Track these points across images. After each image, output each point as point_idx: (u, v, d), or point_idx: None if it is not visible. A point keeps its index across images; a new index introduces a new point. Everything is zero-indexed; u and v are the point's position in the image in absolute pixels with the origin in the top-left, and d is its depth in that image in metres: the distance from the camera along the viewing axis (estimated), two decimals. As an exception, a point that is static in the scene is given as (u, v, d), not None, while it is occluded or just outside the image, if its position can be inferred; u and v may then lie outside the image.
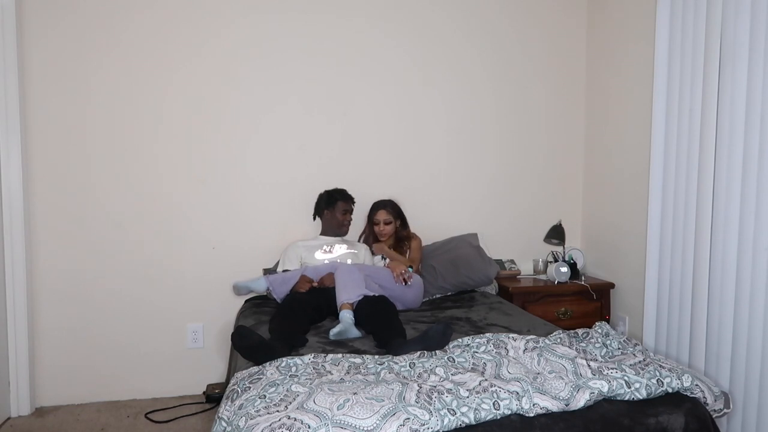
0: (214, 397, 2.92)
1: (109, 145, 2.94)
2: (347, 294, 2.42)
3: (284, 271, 2.88)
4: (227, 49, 3.05)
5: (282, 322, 2.29)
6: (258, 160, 3.12)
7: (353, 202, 3.07)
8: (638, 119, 3.02)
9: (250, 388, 1.67)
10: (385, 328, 2.21)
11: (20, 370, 2.81)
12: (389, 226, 3.02)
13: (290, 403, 1.54)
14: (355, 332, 2.30)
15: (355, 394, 1.54)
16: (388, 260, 2.94)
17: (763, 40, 2.13)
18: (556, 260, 3.37)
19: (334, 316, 2.46)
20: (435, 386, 1.62)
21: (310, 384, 1.66)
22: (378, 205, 3.06)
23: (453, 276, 3.06)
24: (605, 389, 1.64)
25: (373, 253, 3.04)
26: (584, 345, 2.04)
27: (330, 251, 2.94)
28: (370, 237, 3.14)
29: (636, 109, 3.05)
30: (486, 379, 1.66)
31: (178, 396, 3.07)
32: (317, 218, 3.12)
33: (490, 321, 2.54)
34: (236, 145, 3.09)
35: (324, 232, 3.06)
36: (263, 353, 1.95)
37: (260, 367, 1.83)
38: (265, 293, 2.79)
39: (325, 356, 1.92)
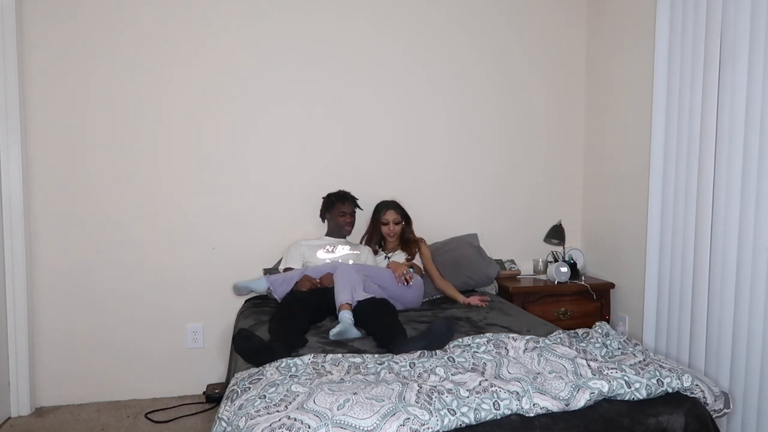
0: (214, 397, 2.92)
1: (109, 145, 2.94)
2: (345, 295, 2.42)
3: (286, 269, 2.88)
4: (228, 49, 3.05)
5: (281, 323, 2.28)
6: (258, 159, 3.12)
7: (355, 204, 3.06)
8: (638, 119, 3.02)
9: (250, 388, 1.67)
10: (385, 330, 2.21)
11: (20, 370, 2.81)
12: (398, 226, 3.01)
13: (290, 403, 1.54)
14: (354, 332, 2.30)
15: (355, 394, 1.54)
16: (389, 261, 2.94)
17: (763, 40, 2.13)
18: (556, 260, 3.37)
19: (334, 316, 2.46)
20: (435, 386, 1.62)
21: (310, 384, 1.66)
22: (387, 205, 3.03)
23: (453, 276, 3.06)
24: (605, 389, 1.64)
25: (387, 258, 3.02)
26: (584, 345, 2.04)
27: (332, 251, 2.95)
28: (374, 237, 3.13)
29: (636, 109, 3.05)
30: (486, 379, 1.66)
31: (178, 396, 3.07)
32: (324, 220, 3.13)
33: (490, 321, 2.54)
34: (236, 144, 3.09)
35: (329, 234, 3.07)
36: (264, 356, 1.95)
37: (260, 367, 1.83)
38: (265, 293, 2.79)
39: (325, 356, 1.92)
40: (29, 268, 2.84)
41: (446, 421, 1.47)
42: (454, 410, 1.51)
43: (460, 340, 2.02)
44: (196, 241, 3.07)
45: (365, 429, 1.42)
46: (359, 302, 2.40)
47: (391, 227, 2.99)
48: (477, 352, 1.94)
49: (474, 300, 2.84)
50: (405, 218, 3.06)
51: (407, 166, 3.33)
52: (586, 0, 3.50)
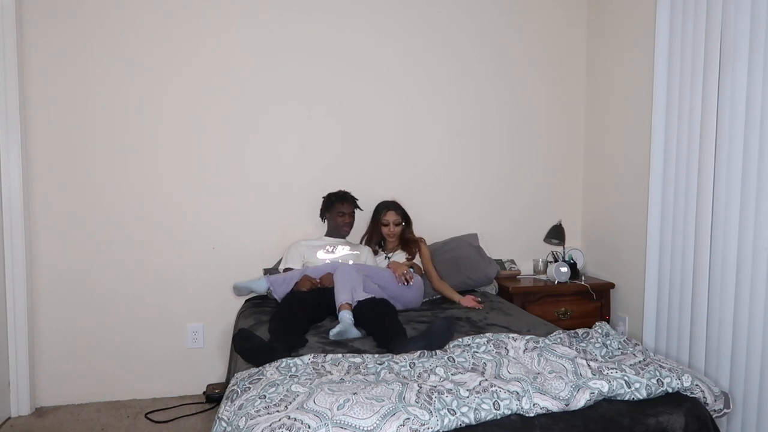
0: (214, 397, 2.92)
1: (109, 145, 2.94)
2: (345, 295, 2.42)
3: (286, 269, 2.88)
4: (228, 49, 3.05)
5: (281, 323, 2.28)
6: (258, 160, 3.12)
7: (355, 205, 3.06)
8: (638, 119, 3.02)
9: (250, 388, 1.67)
10: (385, 330, 2.21)
11: (20, 370, 2.81)
12: (399, 227, 3.01)
13: (290, 403, 1.54)
14: (354, 332, 2.30)
15: (355, 394, 1.54)
16: (390, 261, 2.94)
17: (763, 40, 2.13)
18: (556, 260, 3.37)
19: (334, 316, 2.46)
20: (435, 386, 1.62)
21: (310, 384, 1.66)
22: (388, 206, 3.03)
23: (453, 276, 3.06)
24: (605, 389, 1.64)
25: (388, 258, 3.03)
26: (584, 345, 2.04)
27: (332, 251, 2.95)
28: (374, 238, 3.13)
29: (636, 109, 3.05)
30: (486, 379, 1.66)
31: (178, 396, 3.07)
32: (324, 220, 3.13)
33: (490, 321, 2.54)
34: (236, 144, 3.09)
35: (328, 234, 3.07)
36: (264, 356, 1.95)
37: (260, 367, 1.83)
38: (265, 293, 2.79)
39: (325, 356, 1.92)
40: (29, 268, 2.84)
41: (446, 421, 1.47)
42: (454, 410, 1.51)
43: (460, 340, 2.02)
44: (196, 241, 3.07)
45: (365, 429, 1.42)
46: (359, 302, 2.40)
47: (391, 228, 2.99)
48: (477, 352, 1.94)
49: (467, 301, 2.83)
50: (405, 219, 3.05)
51: (407, 166, 3.33)
52: (586, 0, 3.50)
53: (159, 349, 3.05)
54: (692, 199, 2.49)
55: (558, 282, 3.22)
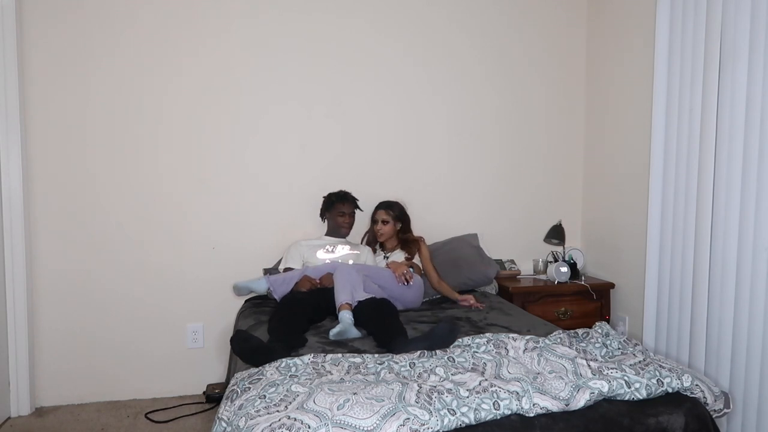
0: (214, 397, 2.92)
1: (109, 145, 2.94)
2: (345, 295, 2.42)
3: (286, 269, 2.88)
4: (228, 49, 3.05)
5: (281, 323, 2.28)
6: (258, 159, 3.12)
7: (355, 205, 3.06)
8: (638, 119, 3.02)
9: (249, 388, 1.67)
10: (386, 330, 2.21)
11: (20, 370, 2.81)
12: (387, 227, 3.00)
13: (290, 403, 1.54)
14: (354, 332, 2.30)
15: (355, 394, 1.54)
16: (389, 260, 2.94)
17: (763, 40, 2.13)
18: (556, 260, 3.37)
19: (334, 316, 2.46)
20: (435, 386, 1.62)
21: (310, 384, 1.66)
22: (379, 205, 3.04)
23: (453, 276, 3.06)
24: (605, 389, 1.64)
25: (386, 258, 3.02)
26: (584, 345, 2.04)
27: (332, 251, 2.95)
28: (371, 236, 3.13)
29: (636, 109, 3.05)
30: (486, 379, 1.66)
31: (178, 396, 3.07)
32: (324, 220, 3.13)
33: (490, 321, 2.54)
34: (237, 144, 3.09)
35: (328, 233, 3.07)
36: (263, 356, 1.95)
37: (260, 367, 1.83)
38: (265, 293, 2.79)
39: (324, 356, 1.92)
40: (29, 268, 2.84)
41: (446, 421, 1.47)
42: (454, 410, 1.51)
43: (460, 340, 2.02)
44: (196, 241, 3.07)
45: (365, 429, 1.42)
46: (359, 302, 2.40)
47: (378, 226, 2.99)
48: (477, 352, 1.94)
49: (466, 301, 2.82)
50: (399, 218, 3.04)
51: (407, 166, 3.33)
52: (586, 0, 3.50)
53: (159, 349, 3.05)
54: (692, 199, 2.49)
55: (558, 282, 3.22)
